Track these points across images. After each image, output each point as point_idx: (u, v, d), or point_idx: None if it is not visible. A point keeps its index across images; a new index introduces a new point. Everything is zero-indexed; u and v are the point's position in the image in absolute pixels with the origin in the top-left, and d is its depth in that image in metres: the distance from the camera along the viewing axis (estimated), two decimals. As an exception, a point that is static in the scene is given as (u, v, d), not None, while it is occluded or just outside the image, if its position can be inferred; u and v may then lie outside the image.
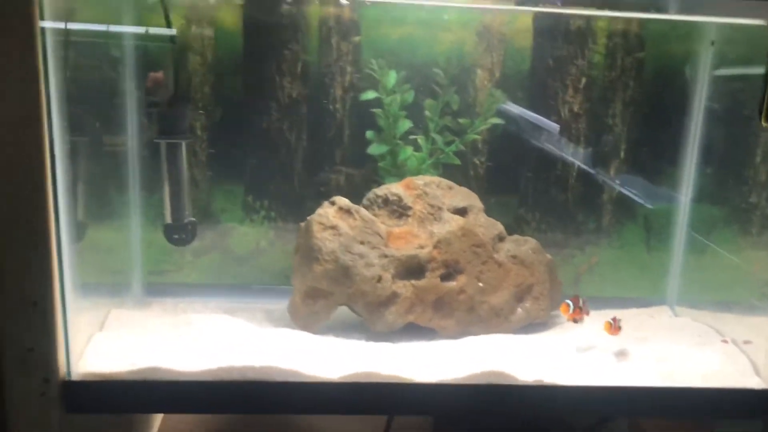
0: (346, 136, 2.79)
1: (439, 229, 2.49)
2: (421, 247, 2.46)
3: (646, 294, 2.95)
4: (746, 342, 2.47)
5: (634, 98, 2.82)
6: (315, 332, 2.42)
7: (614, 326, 2.37)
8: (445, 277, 2.47)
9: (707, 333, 2.65)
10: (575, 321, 2.41)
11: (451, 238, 2.49)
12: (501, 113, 2.76)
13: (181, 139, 2.49)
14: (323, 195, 2.72)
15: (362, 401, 2.11)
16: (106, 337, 2.27)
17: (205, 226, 2.75)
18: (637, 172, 2.90)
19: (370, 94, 2.70)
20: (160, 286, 2.79)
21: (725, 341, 2.56)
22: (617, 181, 2.87)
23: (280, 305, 2.61)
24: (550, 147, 2.83)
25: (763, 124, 2.14)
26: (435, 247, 2.46)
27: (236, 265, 2.85)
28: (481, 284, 2.50)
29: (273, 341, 2.31)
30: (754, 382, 2.25)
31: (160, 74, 2.51)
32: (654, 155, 2.88)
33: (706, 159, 2.78)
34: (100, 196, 2.42)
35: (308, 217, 2.46)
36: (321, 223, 2.43)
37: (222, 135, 2.74)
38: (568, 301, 2.39)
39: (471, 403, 2.14)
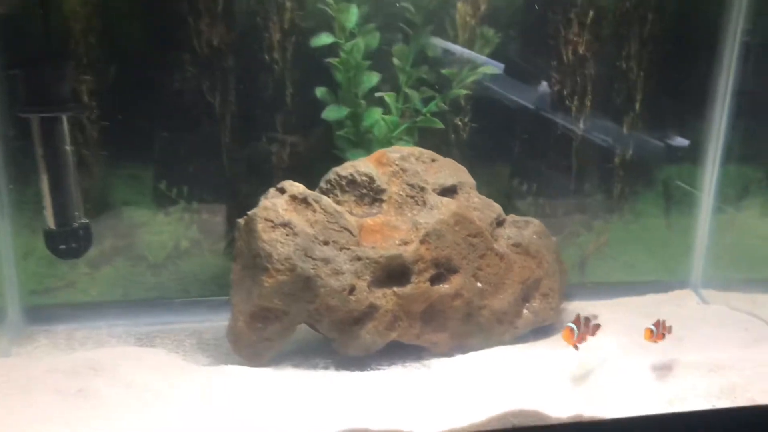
0: (289, 96, 2.41)
1: (426, 218, 2.12)
2: (405, 242, 2.08)
3: (665, 276, 2.71)
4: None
5: (653, 35, 2.53)
6: (266, 364, 2.04)
7: (658, 332, 1.99)
8: (436, 280, 2.13)
9: (753, 324, 2.40)
10: (576, 348, 2.00)
11: (442, 228, 2.12)
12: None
13: (61, 111, 2.05)
14: (262, 175, 2.40)
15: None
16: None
17: (103, 225, 2.36)
18: (654, 128, 2.62)
19: (325, 39, 2.27)
20: (46, 309, 2.37)
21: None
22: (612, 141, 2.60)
23: (211, 324, 2.32)
24: (547, 102, 2.54)
25: None
26: (422, 242, 2.09)
27: (149, 275, 2.47)
28: (479, 284, 2.18)
29: (215, 389, 1.87)
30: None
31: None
32: (676, 106, 2.61)
33: (741, 109, 2.54)
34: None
35: (249, 212, 2.05)
36: (268, 220, 2.00)
37: (119, 101, 2.33)
38: (572, 325, 1.99)
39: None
